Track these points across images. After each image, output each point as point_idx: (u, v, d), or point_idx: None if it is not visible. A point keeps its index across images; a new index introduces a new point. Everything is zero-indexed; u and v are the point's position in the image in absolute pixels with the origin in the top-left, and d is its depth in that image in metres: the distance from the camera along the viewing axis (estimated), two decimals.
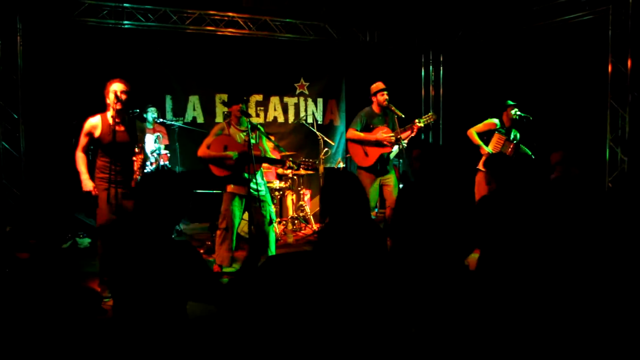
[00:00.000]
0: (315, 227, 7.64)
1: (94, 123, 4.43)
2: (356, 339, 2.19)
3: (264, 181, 5.29)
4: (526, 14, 7.35)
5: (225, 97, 8.17)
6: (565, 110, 7.12)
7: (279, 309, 2.24)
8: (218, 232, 5.17)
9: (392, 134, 5.69)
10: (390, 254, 2.88)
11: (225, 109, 7.97)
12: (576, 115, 7.00)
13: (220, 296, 2.10)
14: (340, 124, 9.04)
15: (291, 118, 8.75)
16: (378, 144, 5.76)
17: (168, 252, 2.09)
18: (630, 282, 2.72)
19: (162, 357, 1.97)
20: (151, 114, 7.29)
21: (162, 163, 7.05)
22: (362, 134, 5.81)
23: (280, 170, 7.33)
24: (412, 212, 3.19)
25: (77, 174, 4.48)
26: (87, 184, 4.42)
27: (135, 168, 4.73)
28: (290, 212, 7.71)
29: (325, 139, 7.78)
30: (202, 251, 6.17)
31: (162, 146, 7.20)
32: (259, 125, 5.26)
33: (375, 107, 5.89)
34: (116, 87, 4.38)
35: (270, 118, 8.63)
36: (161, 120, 7.42)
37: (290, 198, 7.75)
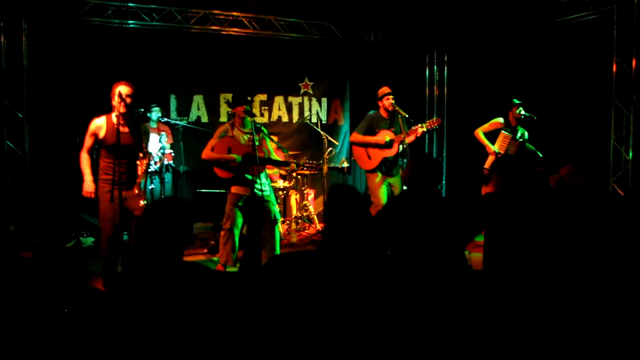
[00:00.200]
0: (319, 226, 7.65)
1: (99, 124, 4.45)
2: (357, 340, 2.19)
3: (269, 181, 5.30)
4: (530, 14, 7.33)
5: (229, 96, 8.18)
6: (570, 110, 7.10)
7: (282, 309, 2.24)
8: (222, 232, 5.18)
9: (387, 135, 5.73)
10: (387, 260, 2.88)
11: (230, 109, 7.99)
12: (580, 115, 6.99)
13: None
14: (344, 123, 9.04)
15: (295, 117, 8.76)
16: (380, 146, 5.79)
17: (184, 276, 2.13)
18: (634, 285, 2.72)
19: None
20: (155, 113, 7.31)
21: (166, 162, 7.06)
22: (364, 137, 5.86)
23: (283, 172, 7.34)
24: (400, 219, 3.20)
25: (81, 173, 4.51)
26: (89, 187, 4.45)
27: (139, 172, 4.74)
28: (294, 212, 7.72)
29: (330, 138, 7.78)
30: (205, 250, 6.19)
31: (168, 145, 7.22)
32: (262, 127, 5.27)
33: (382, 112, 5.94)
34: (121, 90, 4.39)
35: (274, 117, 8.63)
36: (165, 119, 7.43)
37: (294, 198, 7.76)
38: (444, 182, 9.30)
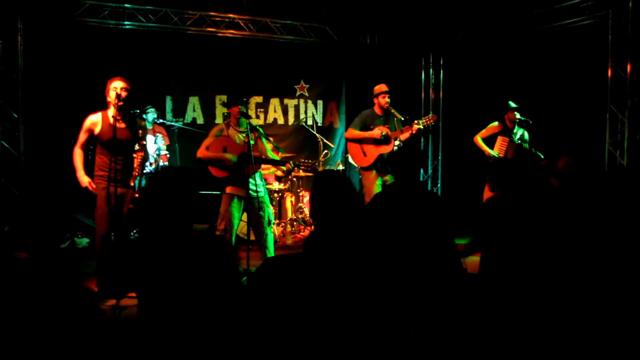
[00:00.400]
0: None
1: (95, 120, 4.44)
2: (351, 341, 2.19)
3: (263, 182, 5.29)
4: (526, 18, 7.36)
5: (225, 98, 8.17)
6: (565, 115, 7.13)
7: (276, 311, 2.24)
8: (217, 233, 5.17)
9: (383, 130, 5.73)
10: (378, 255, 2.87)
11: (225, 110, 7.98)
12: (576, 120, 7.01)
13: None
14: (340, 126, 9.04)
15: (291, 120, 8.76)
16: (376, 142, 5.78)
17: (194, 244, 2.12)
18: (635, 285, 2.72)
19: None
20: (151, 114, 7.30)
21: (161, 164, 7.05)
22: (359, 132, 5.85)
23: (279, 173, 7.33)
24: (386, 214, 3.19)
25: (74, 172, 4.49)
26: (83, 180, 4.43)
27: (135, 165, 4.74)
28: (289, 214, 7.71)
29: (325, 141, 7.78)
30: None
31: (165, 147, 7.21)
32: (258, 127, 5.26)
33: (377, 109, 5.92)
34: (117, 84, 4.39)
35: (270, 120, 8.64)
36: (161, 121, 7.42)
37: (289, 200, 7.75)
38: (439, 184, 9.32)
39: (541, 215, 3.21)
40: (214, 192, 6.58)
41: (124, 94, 4.39)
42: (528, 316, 2.79)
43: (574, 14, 6.77)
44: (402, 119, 5.81)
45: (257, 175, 5.02)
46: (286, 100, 8.74)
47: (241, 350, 2.08)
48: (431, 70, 9.21)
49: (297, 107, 8.81)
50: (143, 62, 7.64)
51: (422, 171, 9.24)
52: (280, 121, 8.71)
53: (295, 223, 7.68)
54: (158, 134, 7.11)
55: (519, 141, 6.27)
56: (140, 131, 4.71)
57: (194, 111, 8.20)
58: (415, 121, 5.76)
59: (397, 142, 5.79)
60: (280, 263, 2.37)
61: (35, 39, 6.82)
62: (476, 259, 3.50)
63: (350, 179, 2.62)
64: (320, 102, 8.96)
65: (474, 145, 6.42)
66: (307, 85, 8.82)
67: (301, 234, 7.59)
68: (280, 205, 7.65)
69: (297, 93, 8.81)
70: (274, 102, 8.67)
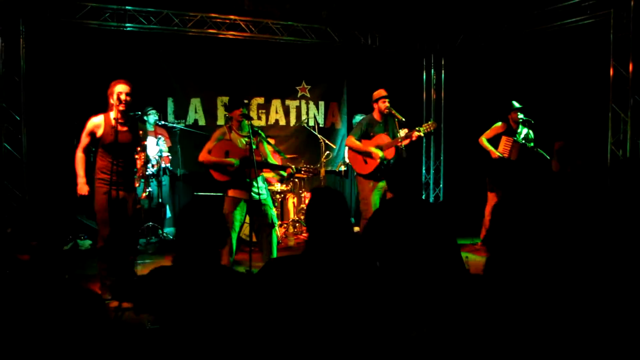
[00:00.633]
0: None
1: (97, 122, 4.44)
2: (353, 343, 2.19)
3: (265, 184, 5.29)
4: (527, 18, 7.35)
5: (226, 99, 8.17)
6: (567, 114, 7.12)
7: (279, 312, 2.24)
8: None
9: (391, 148, 5.71)
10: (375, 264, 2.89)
11: (227, 112, 7.99)
12: (578, 119, 7.01)
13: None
14: (341, 127, 9.04)
15: (293, 121, 8.76)
16: (371, 155, 5.77)
17: (221, 279, 2.18)
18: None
19: None
20: (152, 116, 7.30)
21: (163, 165, 7.06)
22: (358, 144, 5.82)
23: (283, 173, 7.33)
24: (391, 225, 3.20)
25: (75, 177, 4.49)
26: (83, 189, 4.44)
27: (138, 167, 4.75)
28: (292, 215, 7.71)
29: (327, 142, 7.79)
30: None
31: (166, 148, 7.22)
32: (259, 130, 5.26)
33: (376, 115, 5.91)
34: (120, 89, 4.39)
35: (271, 121, 8.64)
36: (162, 122, 7.43)
37: (291, 201, 7.76)
38: (441, 185, 9.31)
39: (545, 215, 3.20)
40: (217, 194, 6.61)
41: (127, 98, 4.40)
42: (534, 318, 2.78)
43: (575, 13, 6.76)
44: (403, 119, 5.80)
45: (259, 177, 5.02)
46: (288, 102, 8.75)
47: (243, 350, 2.08)
48: (432, 70, 9.21)
49: (298, 108, 8.82)
50: (144, 63, 7.65)
51: (422, 171, 9.23)
52: (282, 122, 8.71)
53: (297, 224, 7.69)
54: (160, 136, 7.12)
55: (524, 141, 6.28)
56: (141, 132, 4.72)
57: (195, 113, 8.21)
58: (417, 128, 5.75)
59: (399, 150, 5.78)
60: (283, 264, 2.37)
61: (37, 42, 6.83)
62: (478, 259, 3.50)
63: (344, 195, 2.65)
64: (321, 103, 8.96)
65: (479, 146, 6.43)
66: (309, 86, 8.83)
67: (304, 235, 7.60)
68: (282, 207, 7.65)
69: (299, 94, 8.81)
70: (276, 103, 8.68)
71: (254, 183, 4.89)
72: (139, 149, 4.75)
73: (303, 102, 8.84)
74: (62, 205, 6.69)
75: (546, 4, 7.03)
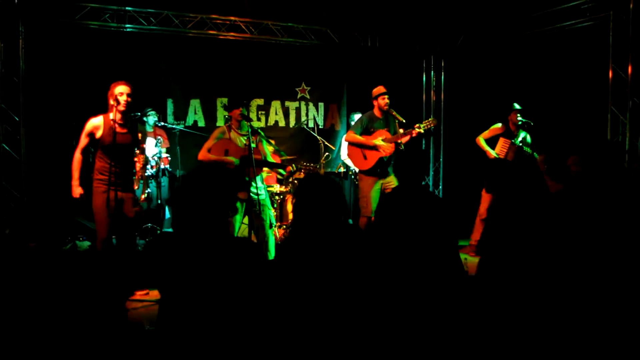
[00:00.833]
0: None
1: (96, 123, 4.43)
2: (352, 342, 2.19)
3: (264, 185, 5.29)
4: (527, 20, 7.36)
5: (226, 101, 8.18)
6: (566, 116, 7.13)
7: (279, 313, 2.23)
8: None
9: (391, 144, 5.70)
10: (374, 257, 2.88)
11: (226, 113, 7.98)
12: (577, 121, 7.01)
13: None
14: (341, 128, 9.04)
15: (292, 122, 8.76)
16: (376, 148, 5.77)
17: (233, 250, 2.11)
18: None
19: None
20: (152, 117, 7.29)
21: (162, 166, 7.05)
22: (361, 138, 5.82)
23: (283, 172, 7.33)
24: (395, 217, 3.20)
25: (71, 180, 4.48)
26: (75, 190, 4.44)
27: (137, 169, 4.74)
28: (291, 216, 7.70)
29: (326, 143, 7.78)
30: None
31: (164, 149, 7.21)
32: (259, 130, 5.27)
33: (376, 111, 5.91)
34: (120, 89, 4.38)
35: (271, 122, 8.64)
36: (162, 123, 7.42)
37: (290, 202, 7.74)
38: (440, 186, 9.31)
39: (544, 218, 3.20)
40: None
41: (128, 99, 4.39)
42: (530, 319, 2.78)
43: (575, 15, 6.77)
44: (403, 121, 5.81)
45: (258, 177, 5.02)
46: (287, 103, 8.75)
47: (245, 351, 2.08)
48: (432, 72, 9.21)
49: (298, 110, 8.82)
50: (144, 64, 7.65)
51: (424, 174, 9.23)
52: (282, 123, 8.71)
53: None
54: (159, 137, 7.10)
55: (521, 144, 6.28)
56: (140, 134, 4.72)
57: (195, 114, 8.20)
58: (417, 125, 5.75)
59: (398, 147, 5.77)
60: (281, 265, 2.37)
61: (36, 42, 6.83)
62: (477, 260, 3.50)
63: (340, 184, 2.62)
64: (321, 105, 8.96)
65: (476, 147, 6.42)
66: (309, 88, 8.83)
67: None
68: (281, 208, 7.64)
69: (298, 95, 8.81)
70: (275, 104, 8.67)
71: (253, 183, 4.88)
72: (138, 151, 4.74)
73: (303, 103, 8.84)
74: (61, 207, 6.68)
75: (546, 6, 7.04)
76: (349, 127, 8.57)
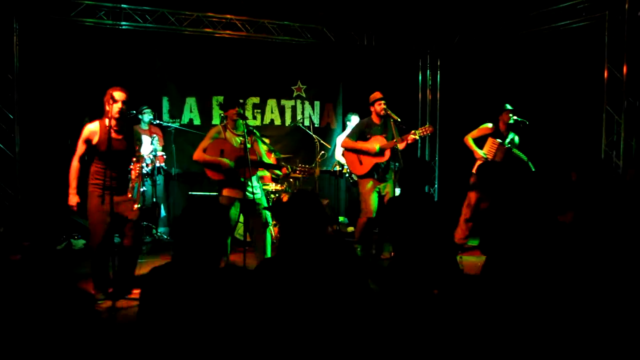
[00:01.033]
0: None
1: (93, 129, 4.41)
2: (349, 341, 2.19)
3: (260, 184, 5.28)
4: (523, 20, 7.37)
5: (222, 99, 8.17)
6: (562, 115, 7.15)
7: (273, 311, 2.23)
8: None
9: (377, 145, 5.72)
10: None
11: (222, 112, 7.97)
12: (572, 120, 7.03)
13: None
14: (337, 127, 9.04)
15: (288, 121, 8.75)
16: (372, 154, 5.78)
17: (221, 282, 2.14)
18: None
19: None
20: (147, 115, 7.28)
21: (158, 164, 7.03)
22: (356, 143, 5.85)
23: (278, 173, 7.32)
24: (398, 220, 3.23)
25: (69, 188, 4.47)
26: (72, 200, 4.44)
27: (133, 176, 4.72)
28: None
29: (322, 142, 7.78)
30: None
31: (160, 147, 7.19)
32: (254, 129, 5.26)
33: (374, 117, 5.93)
34: (117, 97, 4.35)
35: (267, 120, 8.63)
36: (157, 122, 7.41)
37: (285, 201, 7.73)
38: (436, 186, 9.32)
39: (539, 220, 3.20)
40: (211, 194, 6.59)
41: (123, 107, 4.37)
42: (532, 319, 2.79)
43: (571, 15, 6.78)
44: (399, 120, 5.81)
45: (253, 177, 5.01)
46: (283, 101, 8.74)
47: (241, 350, 2.07)
48: (428, 71, 9.22)
49: (294, 108, 8.81)
50: (140, 62, 7.62)
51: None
52: (277, 122, 8.70)
53: None
54: (154, 135, 7.09)
55: (509, 145, 6.29)
56: (137, 147, 4.72)
57: (190, 112, 8.19)
58: (412, 131, 5.76)
59: (395, 151, 5.78)
60: (277, 264, 2.37)
61: (31, 39, 6.79)
62: (472, 260, 3.52)
63: (317, 195, 2.67)
64: (317, 103, 8.95)
65: (465, 145, 6.41)
66: (305, 86, 8.82)
67: None
68: None
69: (294, 94, 8.80)
70: (271, 103, 8.67)
71: (249, 182, 4.88)
72: (134, 159, 4.72)
73: (298, 102, 8.83)
74: (56, 205, 6.66)
75: (542, 5, 7.05)
76: (344, 126, 8.58)
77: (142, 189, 6.82)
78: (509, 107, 6.27)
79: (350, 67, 8.98)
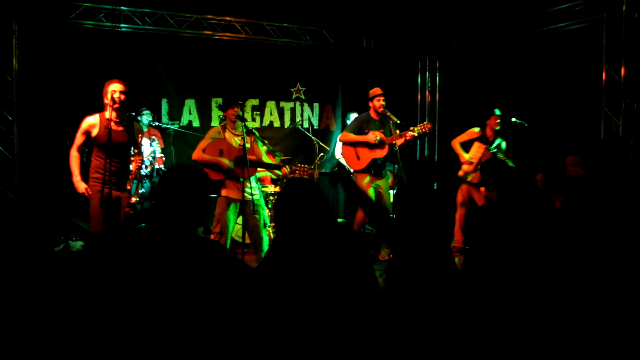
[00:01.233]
0: None
1: (92, 122, 4.43)
2: (346, 340, 2.19)
3: (259, 185, 5.28)
4: (521, 22, 7.38)
5: (221, 101, 8.17)
6: (560, 117, 7.15)
7: (271, 311, 2.23)
8: (212, 236, 5.15)
9: (377, 135, 5.73)
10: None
11: (221, 113, 7.97)
12: (570, 122, 7.03)
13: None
14: (336, 129, 9.05)
15: (287, 123, 8.76)
16: (370, 146, 5.79)
17: (199, 252, 2.11)
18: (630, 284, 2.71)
19: None
20: (146, 117, 7.28)
21: (157, 166, 7.04)
22: (355, 136, 5.87)
23: (277, 174, 7.32)
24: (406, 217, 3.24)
25: (71, 176, 4.47)
26: (80, 186, 4.43)
27: (133, 169, 4.73)
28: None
29: (321, 144, 7.78)
30: None
31: (159, 149, 7.20)
32: (253, 130, 5.26)
33: (372, 113, 5.94)
34: (114, 87, 4.38)
35: (266, 122, 8.63)
36: (156, 123, 7.41)
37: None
38: (434, 187, 9.31)
39: (540, 219, 3.20)
40: (210, 195, 6.59)
41: (122, 97, 4.39)
42: (522, 318, 2.79)
43: (569, 17, 6.79)
44: (398, 121, 5.82)
45: (252, 178, 5.02)
46: (282, 103, 8.75)
47: (239, 350, 2.07)
48: (427, 73, 9.23)
49: (293, 110, 8.82)
50: (139, 64, 7.63)
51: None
52: (276, 124, 8.71)
53: None
54: (153, 137, 7.09)
55: (495, 150, 6.31)
56: (140, 136, 4.71)
57: (190, 114, 8.19)
58: (411, 128, 5.77)
59: (392, 148, 5.79)
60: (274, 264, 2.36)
61: (30, 41, 6.80)
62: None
63: (321, 188, 2.62)
64: (316, 105, 8.96)
65: (451, 149, 6.46)
66: (304, 88, 8.83)
67: None
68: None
69: (294, 96, 8.81)
70: (270, 104, 8.67)
71: (247, 183, 4.88)
72: (135, 150, 4.73)
73: (298, 104, 8.84)
74: (54, 206, 6.66)
75: (540, 7, 7.06)
76: (344, 127, 8.58)
77: (140, 191, 6.83)
78: (497, 112, 6.30)
79: (349, 69, 8.99)
